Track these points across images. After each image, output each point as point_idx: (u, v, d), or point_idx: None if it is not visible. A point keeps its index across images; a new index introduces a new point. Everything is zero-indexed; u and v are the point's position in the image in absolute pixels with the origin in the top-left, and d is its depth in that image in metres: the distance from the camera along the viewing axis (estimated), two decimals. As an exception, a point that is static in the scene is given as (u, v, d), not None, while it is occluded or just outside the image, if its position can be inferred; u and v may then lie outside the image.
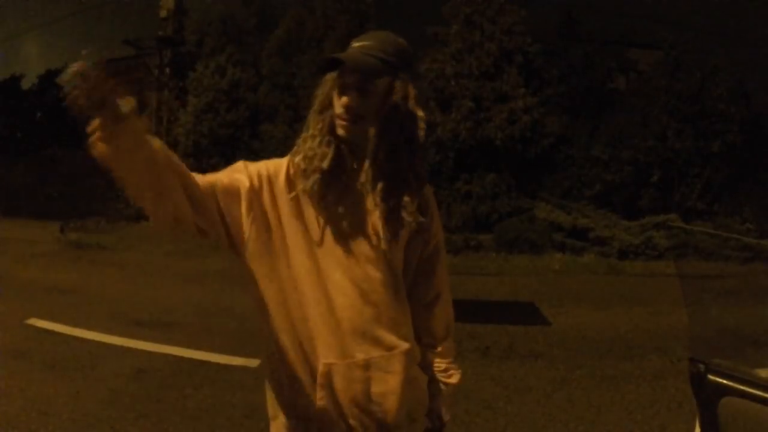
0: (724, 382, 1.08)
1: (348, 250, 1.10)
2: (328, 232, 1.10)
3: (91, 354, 3.92)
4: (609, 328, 5.01)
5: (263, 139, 13.33)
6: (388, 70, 1.05)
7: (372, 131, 1.07)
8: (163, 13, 14.20)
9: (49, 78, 28.87)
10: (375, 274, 1.11)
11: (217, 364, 3.77)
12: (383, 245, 1.10)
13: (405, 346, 1.14)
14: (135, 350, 4.03)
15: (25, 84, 28.73)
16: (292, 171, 1.12)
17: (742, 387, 1.05)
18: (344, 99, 1.05)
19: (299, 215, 1.10)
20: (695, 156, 11.86)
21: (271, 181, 1.11)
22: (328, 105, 1.10)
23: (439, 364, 1.27)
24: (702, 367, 1.12)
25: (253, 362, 3.80)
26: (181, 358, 3.87)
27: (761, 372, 1.13)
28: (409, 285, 1.22)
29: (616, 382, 3.59)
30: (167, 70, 14.06)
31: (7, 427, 2.72)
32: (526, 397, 3.27)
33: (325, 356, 1.09)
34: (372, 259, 1.11)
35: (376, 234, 1.10)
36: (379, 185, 1.09)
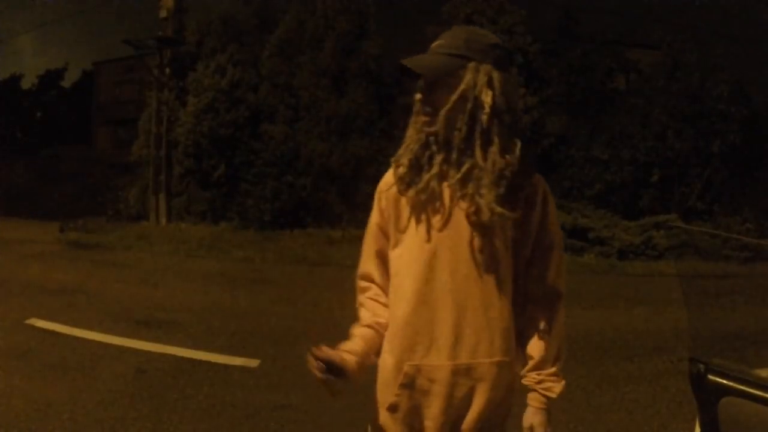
0: (724, 382, 1.08)
1: (448, 251, 1.11)
2: (428, 231, 1.13)
3: (91, 354, 3.91)
4: (609, 328, 5.01)
5: (263, 139, 13.32)
6: (455, 63, 1.08)
7: (443, 123, 1.09)
8: (163, 13, 14.18)
9: (49, 78, 28.91)
10: (474, 275, 1.11)
11: (217, 364, 3.76)
12: (476, 243, 1.10)
13: (499, 356, 1.14)
14: (135, 350, 4.02)
15: (25, 84, 28.80)
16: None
17: (742, 387, 1.05)
18: (416, 96, 1.13)
19: (418, 215, 1.14)
20: (695, 156, 11.86)
21: (392, 198, 1.18)
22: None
23: (539, 373, 1.18)
24: (702, 367, 1.12)
25: (253, 362, 3.80)
26: (181, 358, 3.86)
27: (761, 372, 1.13)
28: (520, 282, 1.19)
29: (616, 382, 3.59)
30: (167, 70, 14.03)
31: (7, 427, 2.72)
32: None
33: (414, 357, 1.13)
34: (466, 260, 1.10)
35: (466, 231, 1.11)
36: (458, 177, 1.09)
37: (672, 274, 8.14)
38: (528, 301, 1.19)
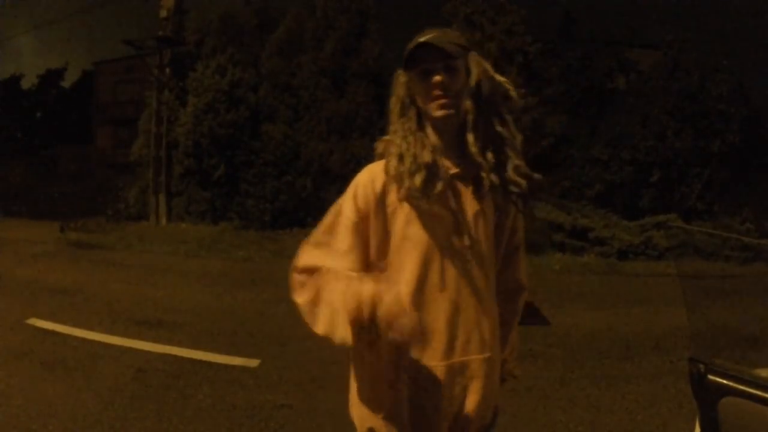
0: (724, 382, 1.08)
1: (441, 250, 1.12)
2: (423, 233, 1.12)
3: (91, 354, 3.91)
4: (609, 328, 5.01)
5: (263, 139, 13.32)
6: (461, 52, 1.10)
7: (468, 104, 1.11)
8: (163, 13, 14.20)
9: (49, 78, 28.89)
10: (465, 274, 1.13)
11: (217, 364, 3.77)
12: (467, 242, 1.12)
13: (489, 352, 1.16)
14: (135, 350, 4.03)
15: (25, 84, 28.76)
16: (388, 176, 1.12)
17: (742, 387, 1.05)
18: (436, 79, 1.08)
19: (411, 216, 1.12)
20: (695, 156, 11.87)
21: (374, 199, 1.13)
22: (409, 104, 1.16)
23: (507, 359, 1.31)
24: (702, 367, 1.12)
25: (253, 362, 3.80)
26: (181, 358, 3.87)
27: (761, 372, 1.13)
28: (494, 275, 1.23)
29: (616, 382, 3.59)
30: (167, 70, 14.04)
31: (7, 427, 2.72)
32: (525, 397, 3.27)
33: (425, 357, 1.12)
34: (459, 259, 1.12)
35: (483, 217, 1.13)
36: (488, 154, 1.11)
37: (672, 274, 8.12)
38: (498, 294, 1.24)
